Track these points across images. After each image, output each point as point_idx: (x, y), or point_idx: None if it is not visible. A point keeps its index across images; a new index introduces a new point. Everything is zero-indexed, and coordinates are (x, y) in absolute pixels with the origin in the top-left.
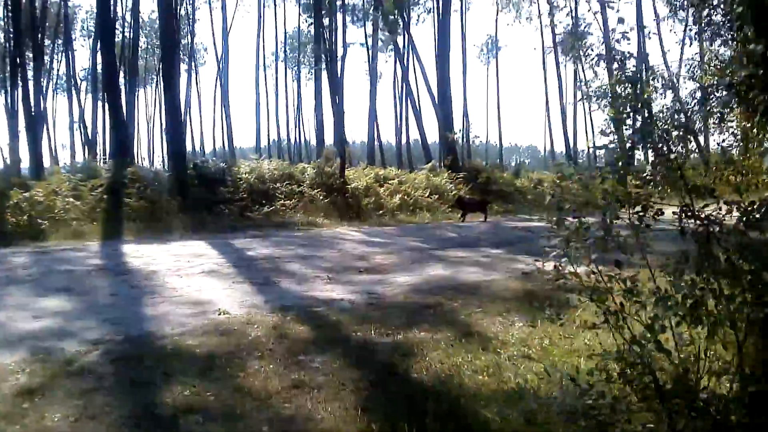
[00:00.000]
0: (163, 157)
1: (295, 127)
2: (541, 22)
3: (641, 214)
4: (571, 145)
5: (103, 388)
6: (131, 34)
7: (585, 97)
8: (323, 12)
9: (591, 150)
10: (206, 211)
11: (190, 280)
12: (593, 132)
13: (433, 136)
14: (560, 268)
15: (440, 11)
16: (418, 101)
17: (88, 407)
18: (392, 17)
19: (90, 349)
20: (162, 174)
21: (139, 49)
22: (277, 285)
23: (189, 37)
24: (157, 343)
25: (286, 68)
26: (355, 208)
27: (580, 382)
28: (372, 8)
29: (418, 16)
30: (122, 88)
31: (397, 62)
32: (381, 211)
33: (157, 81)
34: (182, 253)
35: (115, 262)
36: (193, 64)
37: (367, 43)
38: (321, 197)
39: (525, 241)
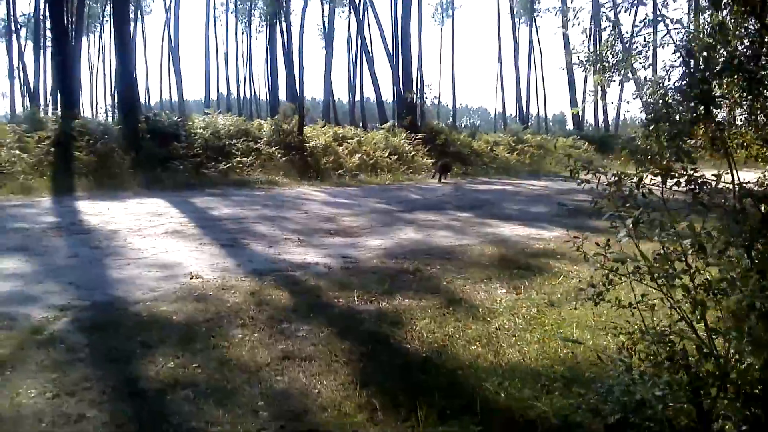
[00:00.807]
0: (106, 108)
1: (244, 81)
2: None
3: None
4: (524, 108)
5: (78, 360)
6: None
7: (579, 62)
8: None
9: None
10: (160, 167)
11: (154, 240)
12: (545, 96)
13: (386, 95)
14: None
15: None
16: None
17: (64, 382)
18: None
19: (57, 315)
20: (112, 127)
21: None
22: (247, 247)
23: None
24: (129, 309)
25: (236, 20)
26: (314, 168)
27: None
28: None
29: None
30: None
31: (352, 18)
32: (340, 171)
33: (101, 29)
34: (141, 212)
35: (71, 220)
36: (138, 12)
37: None
38: (279, 155)
39: (489, 205)
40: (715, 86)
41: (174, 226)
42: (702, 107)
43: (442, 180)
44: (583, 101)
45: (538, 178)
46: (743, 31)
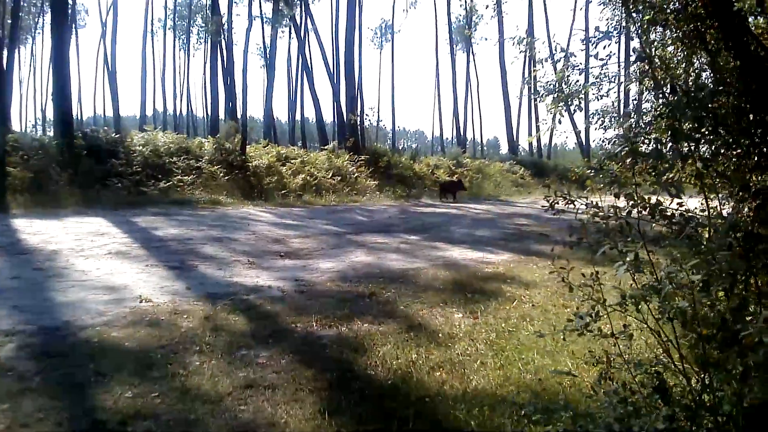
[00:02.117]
0: (36, 122)
1: (181, 98)
2: (435, 10)
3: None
4: (461, 132)
5: (30, 390)
6: None
7: (536, 92)
8: None
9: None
10: (98, 184)
11: (98, 261)
12: (481, 121)
13: (326, 116)
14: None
15: None
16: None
17: (17, 413)
18: None
19: (3, 341)
20: (48, 143)
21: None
22: (196, 269)
23: None
24: (79, 335)
25: (174, 36)
26: (257, 187)
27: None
28: None
29: None
30: None
31: (292, 38)
32: (284, 191)
33: (33, 41)
34: (82, 231)
35: (9, 240)
36: (73, 26)
37: (261, 16)
38: (221, 174)
39: (436, 228)
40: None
41: (118, 246)
42: (692, 143)
43: (444, 200)
44: (538, 131)
45: (479, 201)
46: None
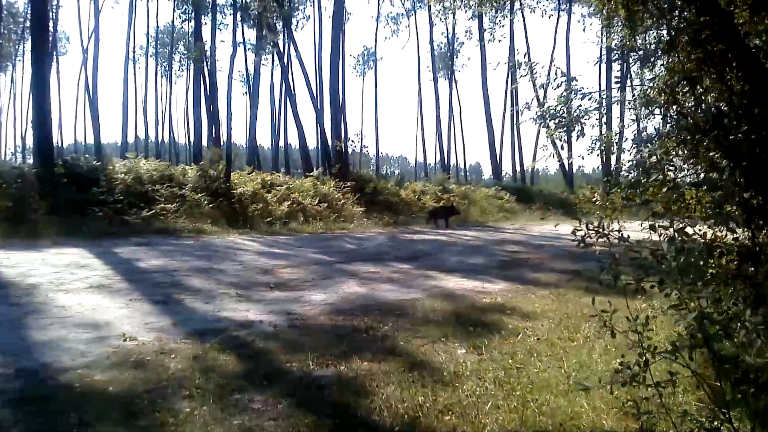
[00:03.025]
0: (15, 150)
1: (163, 125)
2: (418, 39)
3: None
4: (445, 158)
5: None
6: None
7: (537, 117)
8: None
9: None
10: (78, 213)
11: (79, 296)
12: (464, 147)
13: (310, 143)
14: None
15: (334, 10)
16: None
17: None
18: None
19: None
20: (28, 171)
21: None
22: (182, 303)
23: (52, 23)
24: (59, 378)
25: (157, 64)
26: (242, 215)
27: None
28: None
29: (297, 22)
30: None
31: (275, 65)
32: (269, 219)
33: (13, 68)
34: (61, 263)
35: None
36: (54, 53)
37: (244, 43)
38: (205, 202)
39: (427, 255)
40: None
41: (99, 279)
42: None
43: (433, 226)
44: (534, 158)
45: (467, 227)
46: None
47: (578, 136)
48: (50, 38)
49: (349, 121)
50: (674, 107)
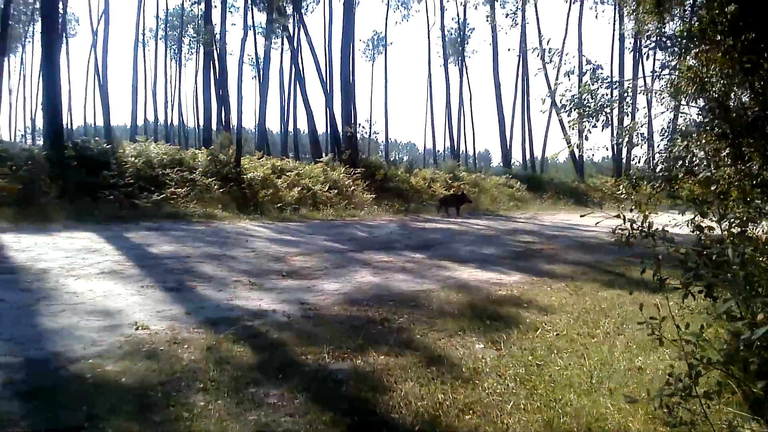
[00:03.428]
0: (25, 132)
1: (172, 108)
2: (428, 24)
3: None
4: (455, 145)
5: None
6: None
7: (561, 106)
8: None
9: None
10: (89, 197)
11: (91, 282)
12: (474, 134)
13: (319, 128)
14: None
15: None
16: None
17: None
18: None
19: None
20: (38, 154)
21: (13, 13)
22: (195, 291)
23: (61, 5)
24: (70, 368)
25: (166, 47)
26: (252, 201)
27: None
28: None
29: (307, 5)
30: None
31: (285, 49)
32: (280, 205)
33: (23, 49)
34: (72, 248)
35: None
36: (63, 35)
37: (254, 26)
38: (215, 187)
39: (439, 245)
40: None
41: (111, 265)
42: None
43: (443, 215)
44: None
45: (478, 216)
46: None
47: (603, 127)
48: (60, 20)
49: (359, 106)
50: (702, 97)
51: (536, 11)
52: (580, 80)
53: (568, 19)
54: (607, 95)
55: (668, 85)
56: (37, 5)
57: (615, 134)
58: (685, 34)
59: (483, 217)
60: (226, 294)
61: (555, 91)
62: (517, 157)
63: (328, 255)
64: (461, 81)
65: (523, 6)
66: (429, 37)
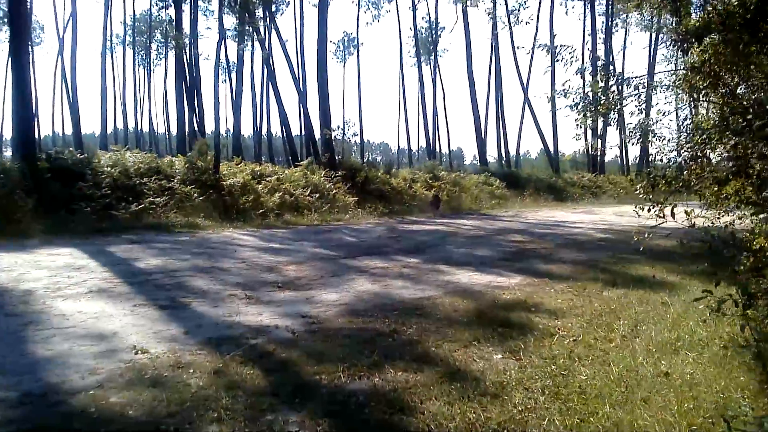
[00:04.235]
0: None
1: (141, 115)
2: (399, 25)
3: None
4: (431, 144)
5: None
6: None
7: (574, 104)
8: None
9: None
10: (64, 209)
11: (79, 302)
12: (448, 132)
13: (293, 131)
14: None
15: None
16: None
17: None
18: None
19: None
20: (9, 166)
21: None
22: (189, 308)
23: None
24: (71, 402)
25: (134, 53)
26: (233, 208)
27: None
28: None
29: (277, 7)
30: None
31: (256, 51)
32: (261, 211)
33: None
34: (55, 265)
35: None
36: (29, 43)
37: (223, 30)
38: (195, 195)
39: (431, 248)
40: None
41: (98, 282)
42: None
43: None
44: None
45: (462, 216)
46: None
47: (617, 125)
48: (29, 23)
49: (332, 108)
50: (716, 91)
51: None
52: (582, 77)
53: (539, 14)
54: (615, 92)
55: (680, 81)
56: (1, 14)
57: (624, 131)
58: (700, 28)
59: (467, 216)
60: (223, 310)
61: (568, 88)
62: (491, 153)
63: (320, 263)
64: (434, 80)
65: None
66: (400, 37)
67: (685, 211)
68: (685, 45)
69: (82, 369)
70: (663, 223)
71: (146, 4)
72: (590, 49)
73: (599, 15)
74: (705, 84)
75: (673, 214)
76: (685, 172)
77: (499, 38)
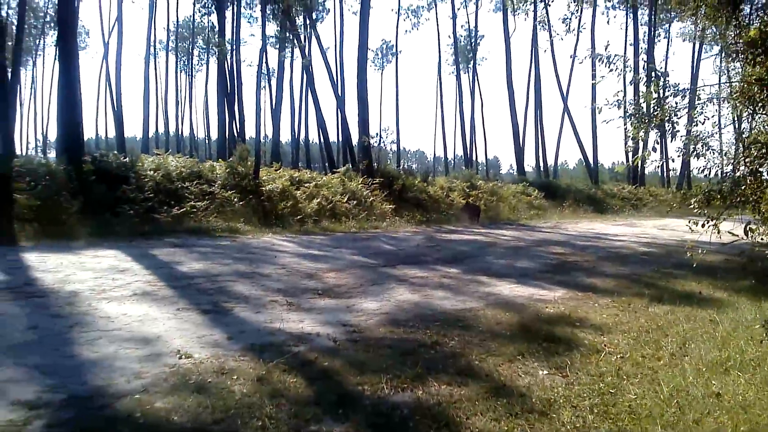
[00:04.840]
0: (36, 146)
1: (182, 120)
2: (438, 33)
3: None
4: (468, 153)
5: None
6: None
7: (627, 115)
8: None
9: None
10: (109, 212)
11: (124, 305)
12: (486, 141)
13: (331, 138)
14: None
15: (361, 6)
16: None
17: None
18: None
19: (27, 417)
20: (55, 168)
21: (25, 26)
22: (232, 313)
23: None
24: (116, 406)
25: (177, 59)
26: (272, 213)
27: None
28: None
29: (317, 15)
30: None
31: (294, 59)
32: (299, 217)
33: (34, 62)
34: (100, 267)
35: (22, 279)
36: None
37: (264, 37)
38: (235, 200)
39: (471, 258)
40: None
41: (142, 285)
42: None
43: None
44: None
45: (500, 226)
46: None
47: (672, 137)
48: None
49: (370, 115)
50: None
51: (547, 15)
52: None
53: (579, 25)
54: (674, 104)
55: (736, 93)
56: (48, 19)
57: (667, 143)
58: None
59: (505, 226)
60: (265, 316)
61: (624, 100)
62: (528, 163)
63: (359, 271)
64: (473, 88)
65: (534, 10)
66: (439, 45)
67: (750, 229)
68: (746, 56)
69: (128, 372)
70: (719, 237)
71: (189, 10)
72: (632, 58)
73: (641, 24)
74: (763, 96)
75: (746, 232)
76: (742, 187)
77: (539, 46)
